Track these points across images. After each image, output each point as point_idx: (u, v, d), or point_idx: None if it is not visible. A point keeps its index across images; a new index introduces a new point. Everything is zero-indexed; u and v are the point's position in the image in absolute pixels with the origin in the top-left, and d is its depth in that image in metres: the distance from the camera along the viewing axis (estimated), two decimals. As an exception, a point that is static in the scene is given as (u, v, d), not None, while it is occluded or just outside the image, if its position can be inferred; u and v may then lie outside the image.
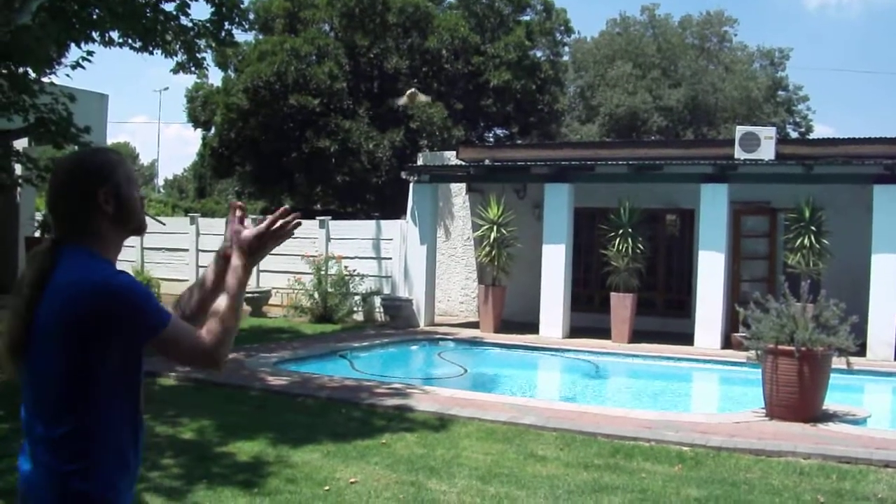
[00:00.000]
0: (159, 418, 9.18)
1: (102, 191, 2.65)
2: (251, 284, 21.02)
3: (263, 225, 2.82)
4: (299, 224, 2.88)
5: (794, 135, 49.01)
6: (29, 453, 2.61)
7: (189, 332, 2.65)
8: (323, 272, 19.69)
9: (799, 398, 9.77)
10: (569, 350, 16.28)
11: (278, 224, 2.83)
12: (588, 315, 18.65)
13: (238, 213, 2.89)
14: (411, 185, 19.66)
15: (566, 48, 41.71)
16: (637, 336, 16.94)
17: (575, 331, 17.63)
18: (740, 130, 17.57)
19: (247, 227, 2.85)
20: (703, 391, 15.17)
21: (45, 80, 13.99)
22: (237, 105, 27.29)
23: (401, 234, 19.95)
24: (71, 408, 2.51)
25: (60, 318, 2.49)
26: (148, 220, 2.92)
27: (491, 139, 32.61)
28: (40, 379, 2.56)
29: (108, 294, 2.50)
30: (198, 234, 22.90)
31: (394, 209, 23.46)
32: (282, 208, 2.90)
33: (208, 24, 14.21)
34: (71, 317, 2.48)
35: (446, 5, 32.30)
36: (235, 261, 2.80)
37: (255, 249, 2.81)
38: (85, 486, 2.52)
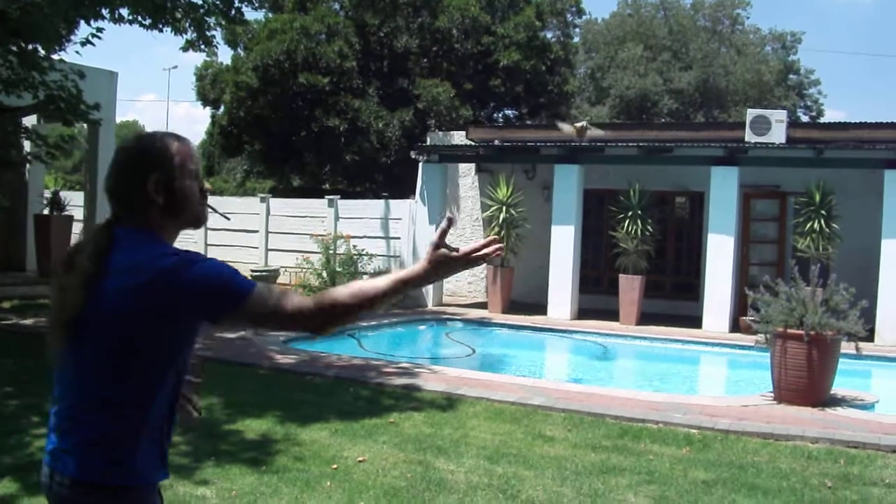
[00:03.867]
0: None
1: (152, 179, 2.59)
2: (258, 263, 21.13)
3: (464, 249, 2.66)
4: (499, 254, 2.73)
5: (805, 119, 48.86)
6: (67, 434, 2.60)
7: (272, 296, 2.51)
8: (331, 251, 19.70)
9: (807, 382, 9.76)
10: (577, 331, 16.28)
11: (478, 252, 2.67)
12: (596, 297, 18.64)
13: (444, 225, 2.69)
14: (420, 164, 19.64)
15: (576, 29, 41.51)
16: (645, 318, 16.94)
17: (583, 312, 17.61)
18: (751, 114, 17.51)
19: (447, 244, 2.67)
20: (711, 374, 15.16)
21: (54, 57, 13.98)
22: (246, 83, 27.23)
23: (409, 213, 19.93)
24: (122, 386, 2.53)
25: (124, 298, 2.46)
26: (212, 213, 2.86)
27: (500, 120, 32.53)
28: (94, 357, 2.54)
29: (181, 282, 2.45)
30: (206, 212, 22.83)
31: (403, 189, 23.44)
32: (489, 238, 2.71)
33: (218, 2, 14.17)
34: (136, 298, 2.46)
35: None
36: (416, 266, 2.66)
37: (441, 265, 2.65)
38: (123, 477, 2.55)
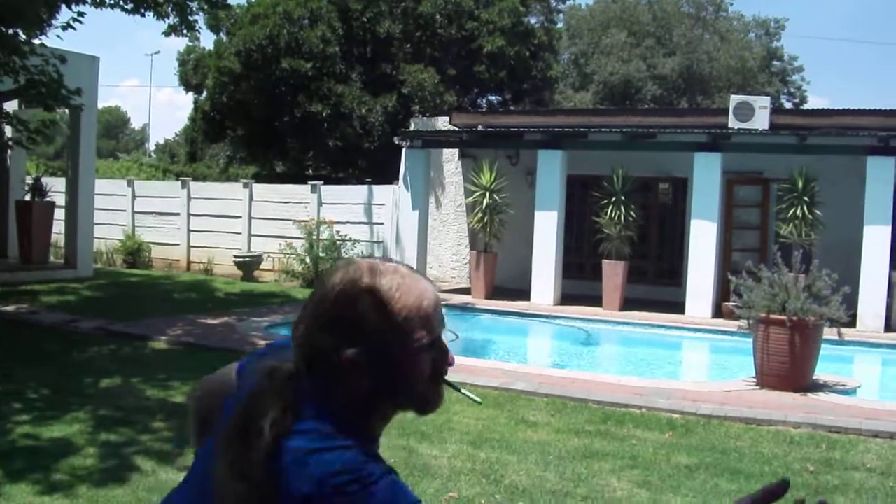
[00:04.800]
0: (150, 381, 9.19)
1: (351, 353, 1.74)
2: (242, 249, 21.07)
3: None
4: None
5: (788, 105, 48.96)
6: None
7: None
8: (314, 237, 19.65)
9: (790, 367, 9.80)
10: (560, 317, 16.29)
11: None
12: (579, 282, 18.64)
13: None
14: (404, 150, 19.61)
15: (560, 15, 41.51)
16: (628, 304, 16.95)
17: (566, 298, 17.62)
18: (734, 100, 17.52)
19: None
20: (693, 360, 15.21)
21: (35, 41, 13.88)
22: (229, 69, 27.09)
23: (393, 199, 19.90)
24: None
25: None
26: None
27: (484, 105, 32.48)
28: None
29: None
30: (189, 198, 22.79)
31: (386, 174, 23.37)
32: None
33: (201, -14, 14.11)
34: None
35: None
36: None
37: None
38: None
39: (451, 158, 21.35)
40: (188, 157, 42.81)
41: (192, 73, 30.58)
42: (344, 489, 1.63)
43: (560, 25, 42.05)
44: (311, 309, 1.80)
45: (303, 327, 1.79)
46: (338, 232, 19.71)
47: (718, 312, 15.91)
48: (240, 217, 21.93)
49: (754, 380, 10.17)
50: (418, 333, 1.79)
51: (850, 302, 10.91)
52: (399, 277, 1.81)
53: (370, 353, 1.75)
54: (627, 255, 17.25)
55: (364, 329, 1.75)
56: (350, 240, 19.79)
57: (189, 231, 22.66)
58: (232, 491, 1.71)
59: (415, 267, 1.90)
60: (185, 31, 15.02)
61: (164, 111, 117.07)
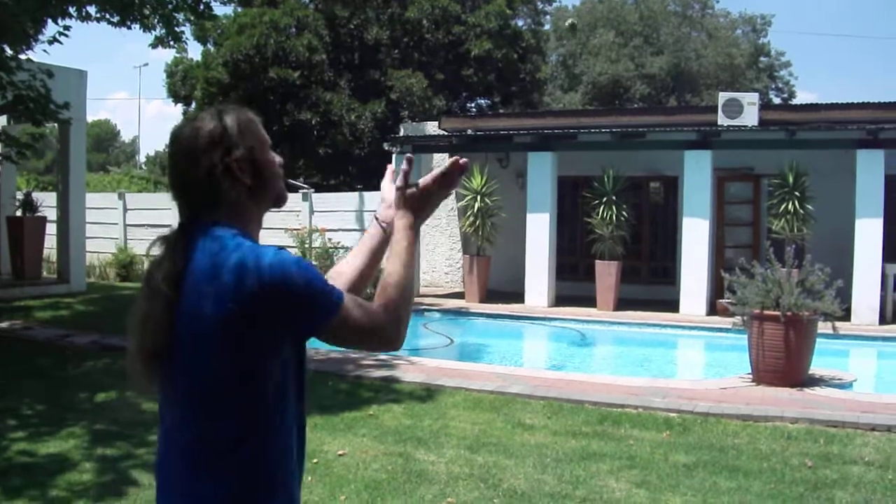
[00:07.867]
0: (145, 395, 9.14)
1: (237, 155, 2.24)
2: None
3: (430, 179, 2.43)
4: (466, 170, 2.44)
5: (776, 101, 49.04)
6: (175, 482, 2.40)
7: (366, 309, 2.22)
8: (307, 245, 19.61)
9: (785, 363, 9.80)
10: (554, 319, 16.30)
11: (446, 175, 2.42)
12: (573, 283, 18.65)
13: (405, 167, 2.45)
14: (394, 156, 19.58)
15: (547, 17, 41.50)
16: (622, 304, 16.97)
17: (560, 299, 17.63)
18: (723, 97, 17.56)
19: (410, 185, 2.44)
20: (689, 358, 15.22)
21: (22, 56, 13.86)
22: (217, 79, 27.06)
23: (385, 205, 19.84)
24: (238, 414, 2.16)
25: (217, 310, 2.09)
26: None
27: (473, 109, 32.47)
28: (195, 385, 2.16)
29: (271, 277, 2.10)
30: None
31: (377, 181, 22.96)
32: (453, 159, 2.41)
33: (186, -3, 14.09)
34: (230, 307, 2.08)
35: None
36: (402, 220, 2.40)
37: (423, 206, 2.44)
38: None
39: (441, 163, 21.33)
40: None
41: (180, 84, 30.53)
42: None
43: (547, 27, 42.09)
44: (188, 158, 2.23)
45: (189, 173, 2.23)
46: (330, 240, 19.69)
47: (713, 310, 15.93)
48: (232, 227, 21.88)
49: (750, 376, 10.18)
50: (264, 134, 2.40)
51: (844, 296, 10.94)
52: (230, 107, 2.36)
53: (246, 153, 2.27)
54: (620, 254, 17.26)
55: (238, 140, 2.26)
56: (343, 247, 19.76)
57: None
58: (150, 326, 2.16)
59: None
60: (172, 43, 15.00)
61: (154, 123, 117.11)
